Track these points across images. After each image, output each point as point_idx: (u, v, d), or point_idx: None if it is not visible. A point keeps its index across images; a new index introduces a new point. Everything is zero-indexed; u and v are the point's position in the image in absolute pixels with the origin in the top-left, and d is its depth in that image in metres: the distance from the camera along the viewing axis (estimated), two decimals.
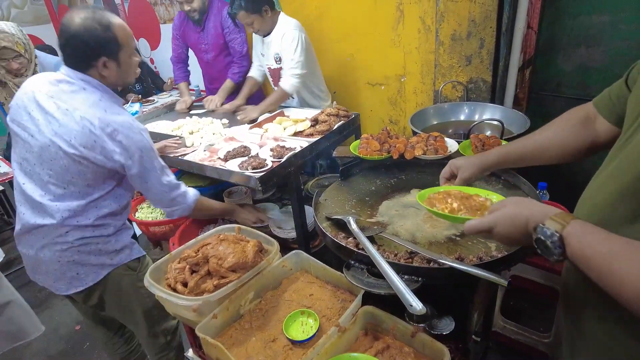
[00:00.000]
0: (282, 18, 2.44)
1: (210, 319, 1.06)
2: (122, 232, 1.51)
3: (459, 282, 1.05)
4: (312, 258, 1.27)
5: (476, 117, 2.15)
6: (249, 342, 1.06)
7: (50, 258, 1.41)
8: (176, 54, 3.05)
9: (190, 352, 1.46)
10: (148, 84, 3.90)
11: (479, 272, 0.89)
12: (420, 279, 0.97)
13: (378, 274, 0.98)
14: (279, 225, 2.21)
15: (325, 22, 2.85)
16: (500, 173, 1.38)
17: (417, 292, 0.89)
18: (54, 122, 1.30)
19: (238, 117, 2.54)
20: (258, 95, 3.00)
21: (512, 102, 2.28)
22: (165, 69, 4.29)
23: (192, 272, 1.16)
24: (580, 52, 2.10)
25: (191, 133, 2.32)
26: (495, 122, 1.76)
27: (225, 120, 2.53)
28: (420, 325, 1.02)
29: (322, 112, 2.20)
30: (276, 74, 2.62)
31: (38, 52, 2.31)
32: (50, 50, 3.20)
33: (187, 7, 2.72)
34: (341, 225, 1.21)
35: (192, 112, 2.88)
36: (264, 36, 2.51)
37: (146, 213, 2.51)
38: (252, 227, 1.41)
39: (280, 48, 2.45)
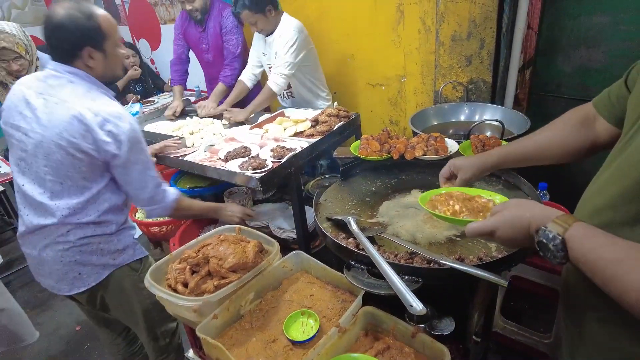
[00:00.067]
0: (285, 18, 2.45)
1: (211, 319, 1.07)
2: (124, 231, 1.52)
3: (459, 283, 1.05)
4: (313, 258, 1.27)
5: (476, 118, 2.15)
6: (249, 343, 1.06)
7: (52, 258, 1.41)
8: (177, 55, 3.05)
9: (190, 353, 1.46)
10: (148, 84, 3.91)
11: (479, 272, 0.89)
12: (420, 279, 0.97)
13: (378, 275, 0.98)
14: (279, 226, 2.21)
15: (326, 22, 2.85)
16: (501, 173, 1.38)
17: (418, 293, 0.89)
18: (44, 117, 1.30)
19: (224, 121, 2.53)
20: (256, 95, 3.00)
21: (512, 102, 2.28)
22: (166, 69, 4.27)
23: (193, 272, 1.16)
24: (580, 52, 2.10)
25: (192, 133, 2.32)
26: (496, 123, 1.76)
27: (225, 121, 2.53)
28: (421, 325, 1.02)
29: (323, 113, 2.20)
30: None
31: (40, 54, 2.31)
32: None
33: (188, 7, 2.73)
34: (341, 226, 1.22)
35: (182, 117, 2.84)
36: (267, 36, 2.52)
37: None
38: (253, 228, 1.41)
39: (279, 48, 2.45)
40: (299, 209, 1.91)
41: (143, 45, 4.42)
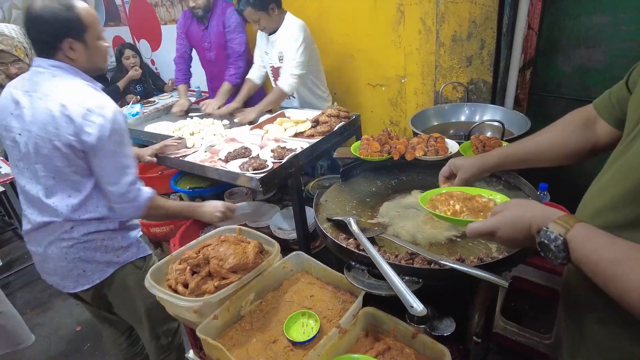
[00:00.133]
0: (289, 17, 2.45)
1: (211, 320, 1.07)
2: (128, 228, 1.52)
3: (460, 284, 1.05)
4: (313, 259, 1.27)
5: (477, 118, 2.15)
6: (249, 343, 1.06)
7: (57, 255, 1.43)
8: (179, 53, 3.06)
9: (191, 353, 1.46)
10: (149, 85, 3.91)
11: (480, 273, 0.89)
12: (420, 280, 0.97)
13: (379, 275, 0.98)
14: (279, 226, 2.22)
15: (326, 23, 2.85)
16: (501, 174, 1.38)
17: (418, 293, 0.89)
18: (29, 113, 1.30)
19: (236, 120, 2.55)
20: (260, 95, 3.01)
21: (512, 103, 2.28)
22: (166, 70, 4.29)
23: (193, 273, 1.16)
24: (580, 53, 2.10)
25: (192, 134, 2.32)
26: (496, 123, 1.76)
27: (226, 122, 2.54)
28: (421, 326, 1.02)
29: (323, 113, 2.20)
30: (278, 72, 2.63)
31: None
32: None
33: (192, 3, 2.74)
34: (342, 226, 1.22)
35: (192, 113, 2.88)
36: (269, 34, 2.52)
37: None
38: (253, 228, 1.41)
39: (283, 47, 2.45)
40: (299, 209, 1.91)
41: (143, 45, 4.42)
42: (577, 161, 1.00)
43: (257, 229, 1.90)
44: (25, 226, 1.46)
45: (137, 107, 3.00)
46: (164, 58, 4.28)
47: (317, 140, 2.01)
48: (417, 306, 0.85)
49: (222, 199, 2.43)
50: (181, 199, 2.62)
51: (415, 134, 1.87)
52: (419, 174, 1.53)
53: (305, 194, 2.16)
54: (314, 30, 2.54)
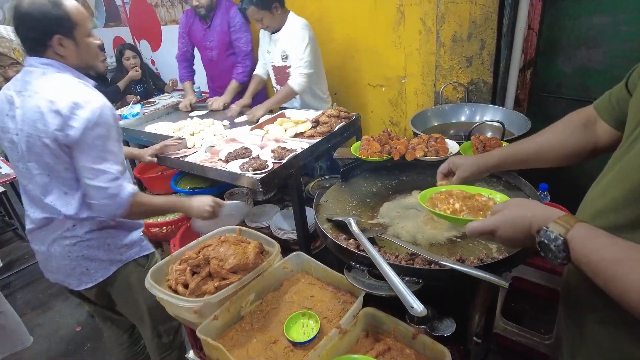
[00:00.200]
0: (292, 17, 2.46)
1: (211, 320, 1.07)
2: (131, 226, 1.53)
3: (460, 284, 1.05)
4: (313, 259, 1.27)
5: (477, 119, 2.15)
6: (249, 344, 1.06)
7: (60, 253, 1.43)
8: (181, 52, 3.07)
9: (191, 354, 1.45)
10: (149, 85, 3.91)
11: (480, 273, 0.89)
12: (421, 280, 0.97)
13: (379, 276, 0.98)
14: (280, 227, 2.22)
15: (326, 23, 2.85)
16: (502, 174, 1.38)
17: (418, 294, 0.89)
18: (21, 112, 1.30)
19: (246, 118, 2.57)
20: (261, 93, 3.01)
21: (513, 103, 2.28)
22: (167, 70, 4.29)
23: (193, 273, 1.16)
24: (580, 53, 2.10)
25: (192, 134, 2.32)
26: (496, 124, 1.76)
27: (226, 122, 2.54)
28: (421, 327, 1.02)
29: (323, 114, 2.20)
30: (280, 71, 2.63)
31: None
32: None
33: (194, 2, 2.75)
34: (342, 227, 1.22)
35: (194, 113, 2.89)
36: (272, 33, 2.53)
37: None
38: (253, 229, 1.41)
39: (288, 46, 2.46)
40: (300, 209, 1.91)
41: (144, 46, 4.42)
42: (577, 162, 1.00)
43: (258, 229, 1.90)
44: (28, 225, 1.47)
45: (137, 108, 3.00)
46: (164, 58, 4.28)
47: (318, 140, 2.01)
48: (417, 307, 0.85)
49: (223, 200, 2.43)
50: None
51: (415, 135, 1.87)
52: (419, 174, 1.53)
53: (305, 194, 2.16)
54: (314, 31, 2.54)
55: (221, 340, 1.06)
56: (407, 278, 0.97)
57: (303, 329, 1.09)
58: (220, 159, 1.97)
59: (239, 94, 2.85)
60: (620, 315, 0.64)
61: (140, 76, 3.72)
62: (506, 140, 1.57)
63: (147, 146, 2.13)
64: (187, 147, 2.17)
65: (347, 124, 2.17)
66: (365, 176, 1.56)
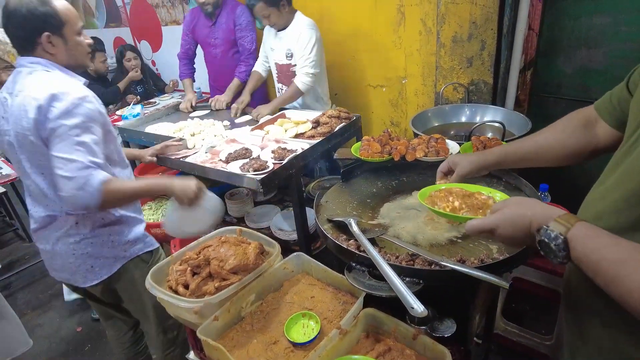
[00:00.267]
0: (299, 16, 2.47)
1: (212, 321, 1.07)
2: (134, 222, 1.53)
3: (461, 285, 1.05)
4: (314, 260, 1.27)
5: (477, 119, 2.15)
6: (250, 345, 1.06)
7: (65, 251, 1.44)
8: (184, 50, 3.08)
9: (191, 354, 1.46)
10: (150, 86, 3.92)
11: (481, 274, 0.89)
12: (421, 281, 0.97)
13: (379, 276, 0.98)
14: (280, 227, 2.22)
15: (326, 23, 2.85)
16: (502, 175, 1.38)
17: (419, 295, 0.89)
18: (9, 113, 1.31)
19: (250, 117, 2.58)
20: (261, 91, 3.01)
21: (513, 103, 2.28)
22: (167, 71, 4.30)
23: (194, 274, 1.16)
24: (581, 53, 2.10)
25: (193, 135, 2.32)
26: (497, 124, 1.76)
27: (226, 122, 2.54)
28: (422, 327, 1.02)
29: (324, 114, 2.20)
30: (283, 70, 2.63)
31: None
32: None
33: None
34: (342, 227, 1.22)
35: (194, 113, 2.88)
36: (278, 30, 2.53)
37: (147, 215, 2.52)
38: (253, 229, 1.41)
39: (294, 45, 2.47)
40: (300, 210, 1.92)
41: (144, 46, 4.42)
42: (576, 162, 0.99)
43: (258, 230, 1.90)
44: (33, 225, 1.48)
45: (137, 108, 3.01)
46: (164, 59, 4.29)
47: (318, 141, 2.01)
48: (417, 307, 0.85)
49: (223, 200, 2.43)
50: None
51: (415, 135, 1.87)
52: (419, 175, 1.53)
53: (305, 194, 2.16)
54: None
55: (221, 341, 1.06)
56: (407, 279, 0.97)
57: (303, 330, 1.09)
58: (220, 160, 1.97)
59: (240, 93, 2.85)
60: (621, 316, 0.64)
61: (140, 77, 3.72)
62: (506, 141, 1.57)
63: (147, 147, 2.13)
64: (187, 148, 2.17)
65: (348, 124, 2.17)
66: (365, 177, 1.56)
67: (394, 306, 0.97)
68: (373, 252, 1.01)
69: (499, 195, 1.03)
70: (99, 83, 3.61)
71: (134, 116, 2.90)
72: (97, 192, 1.22)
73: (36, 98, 1.25)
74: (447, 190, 1.06)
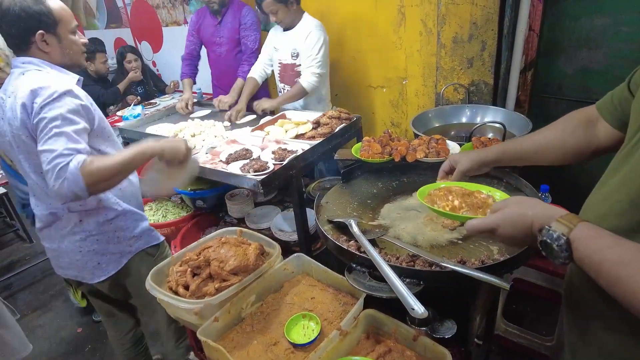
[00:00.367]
0: (307, 17, 2.48)
1: (212, 322, 1.06)
2: (137, 218, 1.54)
3: (461, 286, 1.05)
4: (314, 261, 1.26)
5: (478, 120, 2.15)
6: (250, 346, 1.06)
7: (71, 249, 1.45)
8: (188, 50, 3.08)
9: (192, 355, 1.46)
10: (150, 86, 3.92)
11: (481, 275, 0.89)
12: (422, 282, 0.97)
13: (380, 277, 0.97)
14: (280, 228, 2.22)
15: (327, 24, 2.84)
16: (502, 175, 1.38)
17: (419, 296, 0.89)
18: (5, 114, 1.31)
19: (250, 117, 2.59)
20: (263, 92, 3.01)
21: (513, 104, 2.28)
22: (168, 71, 4.30)
23: (194, 275, 1.16)
24: (581, 54, 2.10)
25: (193, 136, 2.32)
26: (497, 125, 1.76)
27: (227, 123, 2.54)
28: (422, 328, 1.02)
29: (324, 115, 2.20)
30: (287, 69, 2.63)
31: None
32: None
33: None
34: (343, 228, 1.21)
35: (195, 114, 2.87)
36: (284, 29, 2.53)
37: (148, 215, 2.52)
38: (253, 230, 1.41)
39: (301, 45, 2.47)
40: (300, 211, 1.91)
41: (145, 47, 4.43)
42: (576, 161, 0.99)
43: (258, 230, 1.90)
44: (38, 224, 1.49)
45: (138, 109, 3.01)
46: (165, 60, 4.30)
47: (318, 141, 2.01)
48: (418, 308, 0.85)
49: (224, 201, 2.43)
50: (182, 200, 2.63)
51: (416, 136, 1.87)
52: (420, 175, 1.53)
53: (306, 195, 2.16)
54: None
55: (222, 342, 1.06)
56: (407, 280, 0.97)
57: (304, 331, 1.08)
58: (221, 160, 1.97)
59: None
60: (624, 317, 0.64)
61: (140, 78, 3.73)
62: None
63: None
64: None
65: (348, 125, 2.17)
66: (366, 177, 1.56)
67: (395, 307, 0.97)
68: (373, 253, 1.01)
69: (498, 194, 1.02)
70: (100, 84, 3.62)
71: (135, 117, 2.90)
72: (77, 176, 1.14)
73: (21, 97, 1.25)
74: (446, 188, 1.06)
